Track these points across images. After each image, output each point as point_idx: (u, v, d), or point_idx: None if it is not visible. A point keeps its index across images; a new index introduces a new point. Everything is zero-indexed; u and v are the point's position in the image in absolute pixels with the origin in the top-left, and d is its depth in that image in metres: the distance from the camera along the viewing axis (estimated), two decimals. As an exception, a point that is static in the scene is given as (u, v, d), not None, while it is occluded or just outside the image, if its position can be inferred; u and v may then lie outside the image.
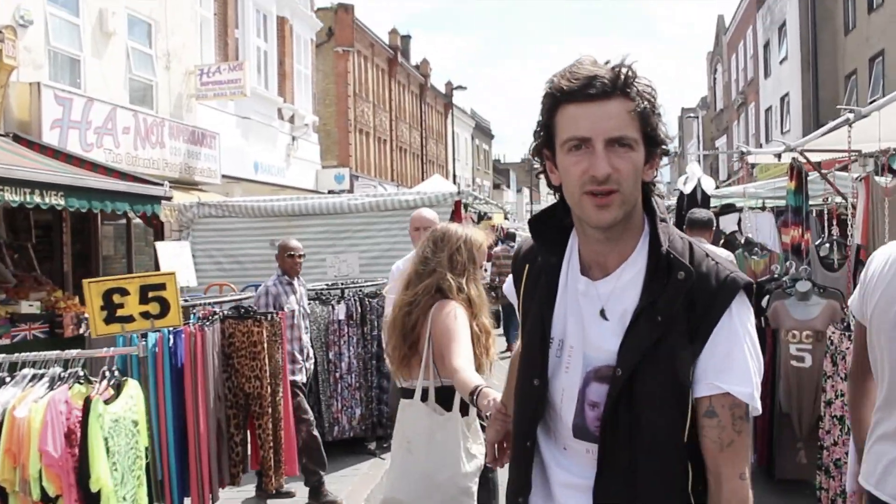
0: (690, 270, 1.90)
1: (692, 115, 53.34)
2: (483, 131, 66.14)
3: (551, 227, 2.11)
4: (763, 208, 12.64)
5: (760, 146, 33.71)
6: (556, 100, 1.90)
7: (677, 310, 1.88)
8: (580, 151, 1.86)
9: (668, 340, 1.88)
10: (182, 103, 16.74)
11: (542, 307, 2.07)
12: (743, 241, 8.11)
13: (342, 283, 7.67)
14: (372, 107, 39.21)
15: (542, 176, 2.06)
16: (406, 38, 49.55)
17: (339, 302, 7.14)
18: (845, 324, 5.04)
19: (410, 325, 3.55)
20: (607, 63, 1.88)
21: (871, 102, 22.81)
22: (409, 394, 3.60)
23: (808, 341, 5.88)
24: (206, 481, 4.70)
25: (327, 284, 7.75)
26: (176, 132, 15.28)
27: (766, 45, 32.58)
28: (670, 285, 1.89)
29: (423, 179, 35.33)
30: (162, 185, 10.78)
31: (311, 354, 6.74)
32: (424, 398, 3.49)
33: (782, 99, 30.01)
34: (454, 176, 45.83)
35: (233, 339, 5.05)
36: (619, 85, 1.84)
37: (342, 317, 6.98)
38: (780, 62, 30.09)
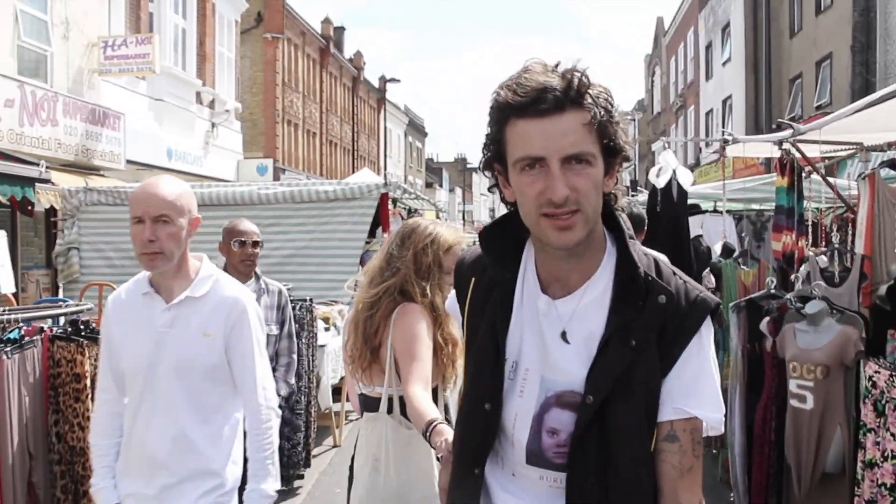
0: (672, 294, 1.80)
1: (628, 117, 52.70)
2: (416, 128, 64.77)
3: (504, 239, 1.96)
4: (716, 211, 11.52)
5: (700, 150, 33.02)
6: (505, 114, 1.74)
7: (653, 335, 1.77)
8: (534, 171, 1.73)
9: (641, 366, 1.76)
10: (83, 78, 15.03)
11: (495, 325, 1.91)
12: (719, 248, 6.89)
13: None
14: (302, 98, 37.71)
15: (495, 190, 1.91)
16: (339, 30, 48.03)
17: None
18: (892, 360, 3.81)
19: (373, 329, 3.24)
20: (557, 66, 1.72)
21: (816, 108, 22.23)
22: (369, 401, 3.28)
23: (809, 377, 4.65)
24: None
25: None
26: (72, 109, 13.58)
27: (709, 47, 31.86)
28: (649, 309, 1.78)
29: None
30: (37, 164, 9.16)
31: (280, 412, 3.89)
32: (389, 410, 3.19)
33: (724, 101, 29.28)
34: (385, 172, 44.42)
35: (59, 368, 3.56)
36: (571, 95, 1.69)
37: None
38: (723, 64, 29.36)
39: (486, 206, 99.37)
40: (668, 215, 6.49)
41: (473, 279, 2.02)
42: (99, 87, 15.55)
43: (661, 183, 6.21)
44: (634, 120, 51.13)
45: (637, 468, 1.79)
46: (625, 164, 1.89)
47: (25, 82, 12.49)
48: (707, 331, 1.82)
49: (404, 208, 14.32)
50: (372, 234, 9.99)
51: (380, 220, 9.96)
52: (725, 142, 6.28)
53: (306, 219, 9.61)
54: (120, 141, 15.10)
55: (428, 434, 2.67)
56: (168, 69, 18.82)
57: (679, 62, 38.88)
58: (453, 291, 2.16)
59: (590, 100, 1.70)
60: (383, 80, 52.08)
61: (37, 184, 9.14)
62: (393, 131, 55.83)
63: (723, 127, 29.51)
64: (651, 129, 47.88)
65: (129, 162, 15.96)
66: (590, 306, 1.83)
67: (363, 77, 48.95)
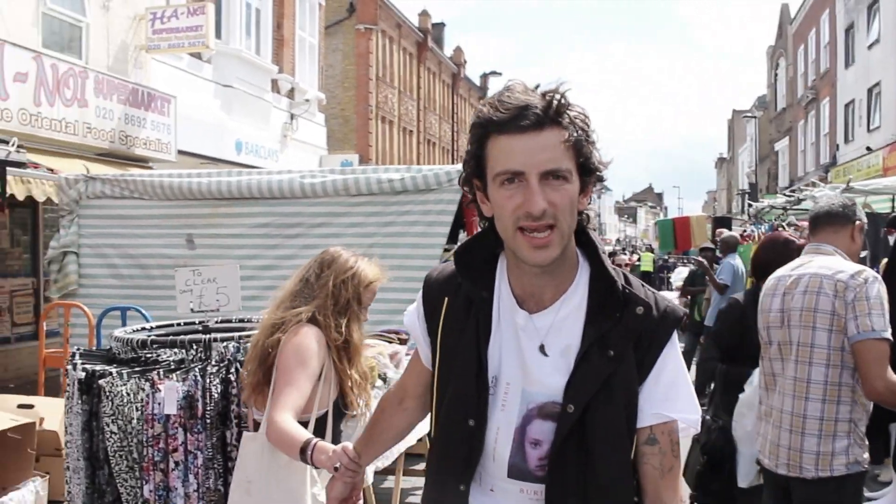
0: (650, 305, 1.89)
1: (749, 115, 48.79)
2: (519, 129, 62.03)
3: (478, 258, 2.02)
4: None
5: (838, 147, 29.43)
6: (487, 130, 1.83)
7: (630, 345, 1.87)
8: (513, 185, 1.81)
9: (620, 374, 1.85)
10: (128, 56, 12.94)
11: (478, 343, 1.96)
12: None
13: (201, 323, 3.66)
14: (397, 93, 35.66)
15: (472, 205, 2.00)
16: (439, 26, 45.85)
17: (168, 373, 3.12)
18: None
19: (269, 347, 3.09)
20: (537, 88, 1.83)
21: None
22: (257, 426, 3.15)
23: None
24: None
25: (178, 325, 3.79)
26: (107, 89, 11.45)
27: (849, 29, 28.20)
28: (626, 319, 1.88)
29: (450, 174, 31.61)
30: (7, 141, 6.92)
31: None
32: None
33: (870, 90, 25.68)
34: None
35: None
36: (551, 114, 1.79)
37: (171, 408, 3.03)
38: (869, 47, 25.74)
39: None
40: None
41: (447, 299, 2.04)
42: (148, 68, 13.46)
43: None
44: (755, 117, 47.24)
45: (616, 475, 1.85)
46: (598, 185, 1.94)
47: (43, 53, 10.38)
48: (675, 338, 1.93)
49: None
50: (453, 237, 7.39)
51: (463, 220, 7.37)
52: None
53: (365, 217, 7.09)
54: (170, 128, 12.94)
55: (310, 452, 2.58)
56: (237, 52, 16.77)
57: (810, 51, 35.11)
58: (412, 306, 2.16)
59: (568, 119, 1.79)
60: (485, 77, 49.66)
61: (7, 169, 6.92)
62: (494, 131, 53.37)
63: (868, 119, 25.94)
64: (774, 127, 44.00)
65: (185, 153, 13.82)
66: (566, 320, 1.90)
67: (464, 74, 46.70)
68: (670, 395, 1.87)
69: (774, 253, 4.14)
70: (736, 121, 63.67)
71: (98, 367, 3.24)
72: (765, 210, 12.06)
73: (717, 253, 11.73)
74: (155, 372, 3.13)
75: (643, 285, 1.95)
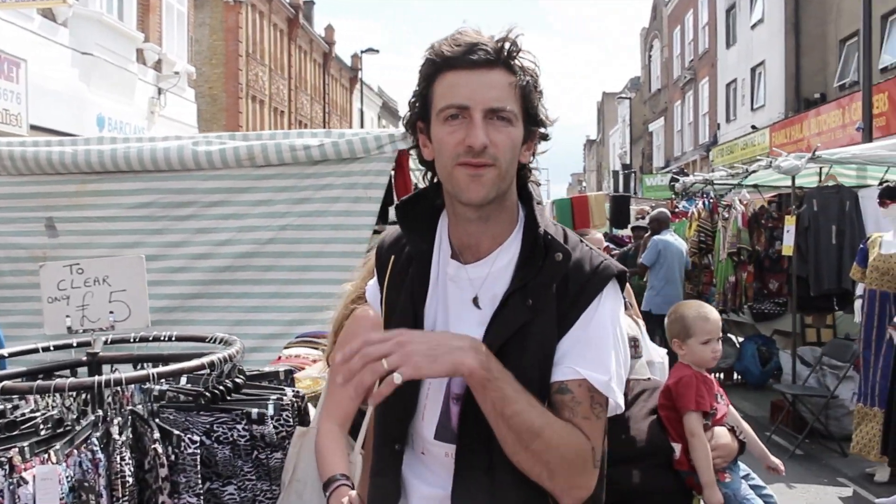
0: (568, 252, 1.82)
1: (622, 96, 49.01)
2: (391, 112, 60.67)
3: (420, 212, 1.92)
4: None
5: (719, 126, 29.47)
6: (437, 66, 1.76)
7: (550, 294, 1.78)
8: (457, 121, 1.74)
9: (536, 326, 1.77)
10: (-34, 12, 11.05)
11: (412, 297, 1.88)
12: None
13: (82, 348, 2.32)
14: (268, 71, 33.98)
15: (413, 151, 1.92)
16: (309, 4, 44.06)
17: (39, 447, 1.77)
18: None
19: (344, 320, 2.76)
20: (492, 37, 1.75)
21: (882, 70, 18.64)
22: None
23: None
24: None
25: (46, 349, 2.45)
26: (-61, 47, 9.60)
27: (731, 10, 28.19)
28: (546, 267, 1.80)
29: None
30: None
31: None
32: None
33: (753, 70, 25.64)
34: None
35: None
36: (502, 56, 1.74)
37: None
38: (752, 27, 25.69)
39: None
40: None
41: (393, 257, 1.98)
42: (-7, 27, 11.55)
43: None
44: (629, 99, 47.46)
45: None
46: (542, 144, 1.88)
47: None
48: (608, 296, 1.80)
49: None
50: (383, 217, 6.07)
51: (395, 196, 6.07)
52: None
53: (274, 193, 5.69)
54: (20, 97, 11.11)
55: (328, 494, 2.22)
56: (98, 15, 14.98)
57: (687, 32, 35.22)
58: (373, 279, 2.06)
59: (518, 64, 1.74)
60: (357, 58, 48.15)
61: None
62: (366, 113, 51.95)
63: (751, 98, 25.91)
64: (648, 108, 44.26)
65: (38, 128, 11.97)
66: (500, 272, 1.83)
67: (335, 53, 45.09)
68: (584, 353, 1.76)
69: None
70: (606, 103, 64.27)
71: None
72: (691, 186, 11.24)
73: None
74: (14, 448, 1.77)
75: (582, 241, 1.87)
